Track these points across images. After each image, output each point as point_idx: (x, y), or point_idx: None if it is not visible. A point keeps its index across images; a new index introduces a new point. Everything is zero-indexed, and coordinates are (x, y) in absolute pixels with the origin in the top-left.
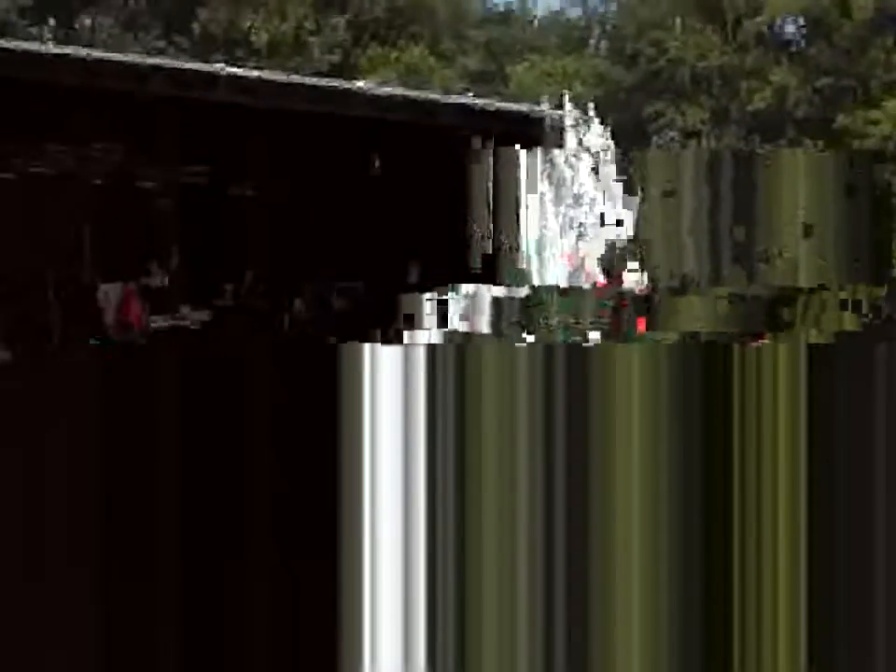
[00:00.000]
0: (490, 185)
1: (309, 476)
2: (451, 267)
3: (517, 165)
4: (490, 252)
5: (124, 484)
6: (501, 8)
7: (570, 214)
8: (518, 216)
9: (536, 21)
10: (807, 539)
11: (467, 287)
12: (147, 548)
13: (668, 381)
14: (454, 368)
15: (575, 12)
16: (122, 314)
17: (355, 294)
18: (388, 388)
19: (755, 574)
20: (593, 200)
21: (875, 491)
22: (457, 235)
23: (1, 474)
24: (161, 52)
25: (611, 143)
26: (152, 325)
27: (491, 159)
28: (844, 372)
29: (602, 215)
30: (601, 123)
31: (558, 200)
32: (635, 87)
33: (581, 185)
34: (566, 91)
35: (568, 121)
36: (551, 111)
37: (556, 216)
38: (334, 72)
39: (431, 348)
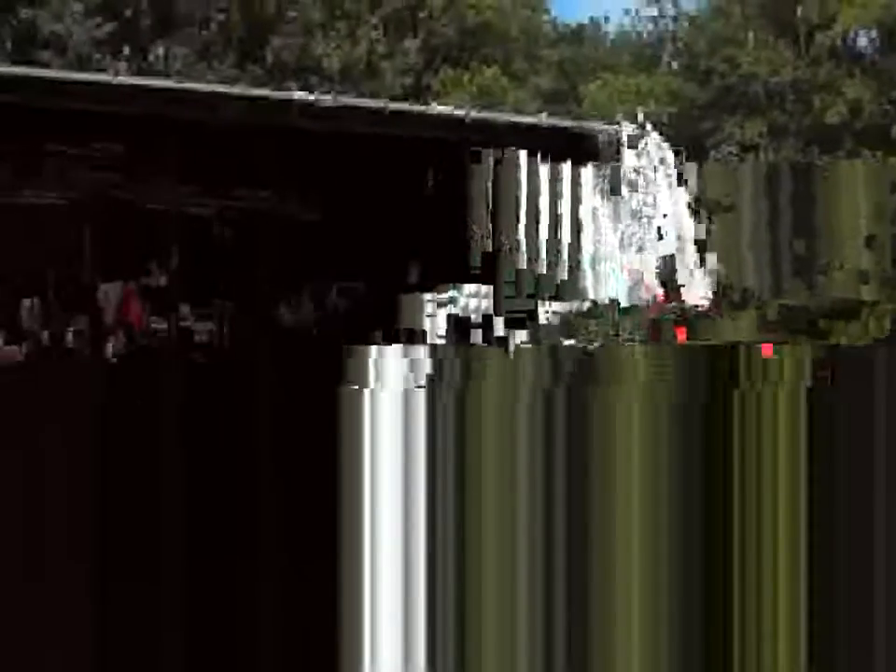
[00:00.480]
0: (548, 201)
1: (310, 480)
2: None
3: (575, 181)
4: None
5: (128, 491)
6: (573, 27)
7: (629, 228)
8: (578, 230)
9: (608, 39)
10: (807, 545)
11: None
12: (150, 552)
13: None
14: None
15: (646, 29)
16: (122, 314)
17: None
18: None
19: (755, 580)
20: (651, 214)
21: (875, 496)
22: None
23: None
24: (235, 80)
25: (672, 158)
26: None
27: (546, 175)
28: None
29: (659, 229)
30: (666, 140)
31: (617, 214)
32: (708, 104)
33: (639, 200)
34: (640, 109)
35: (628, 137)
36: (608, 127)
37: (615, 230)
38: (407, 95)
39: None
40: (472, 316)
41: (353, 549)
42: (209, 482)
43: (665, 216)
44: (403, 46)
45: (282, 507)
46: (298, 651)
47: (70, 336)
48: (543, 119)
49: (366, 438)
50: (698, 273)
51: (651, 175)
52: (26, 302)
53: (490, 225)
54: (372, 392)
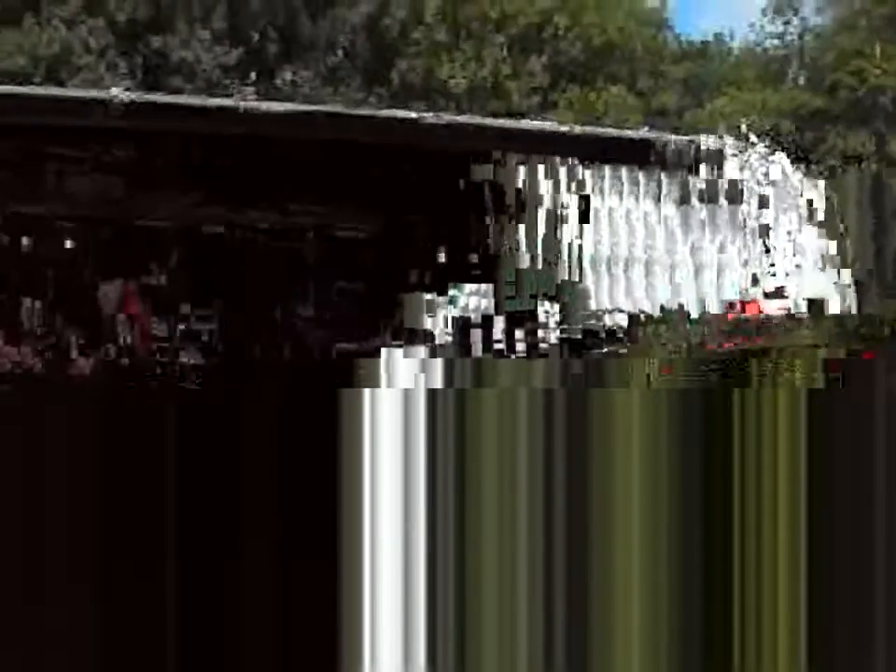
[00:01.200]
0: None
1: (309, 479)
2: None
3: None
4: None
5: (126, 498)
6: (697, 44)
7: (728, 240)
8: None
9: (733, 54)
10: (807, 546)
11: None
12: (149, 554)
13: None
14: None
15: (771, 44)
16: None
17: None
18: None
19: (754, 583)
20: (755, 227)
21: (875, 502)
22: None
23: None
24: (362, 102)
25: (791, 171)
26: None
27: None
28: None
29: (765, 242)
30: (793, 153)
31: (713, 225)
32: (836, 117)
33: (742, 211)
34: (743, 122)
35: (733, 150)
36: (713, 140)
37: (710, 240)
38: (533, 114)
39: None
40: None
41: (353, 549)
42: (209, 483)
43: (771, 229)
44: (529, 66)
45: (283, 508)
46: (298, 651)
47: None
48: (643, 132)
49: (366, 438)
50: (794, 283)
51: (759, 187)
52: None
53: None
54: (373, 392)
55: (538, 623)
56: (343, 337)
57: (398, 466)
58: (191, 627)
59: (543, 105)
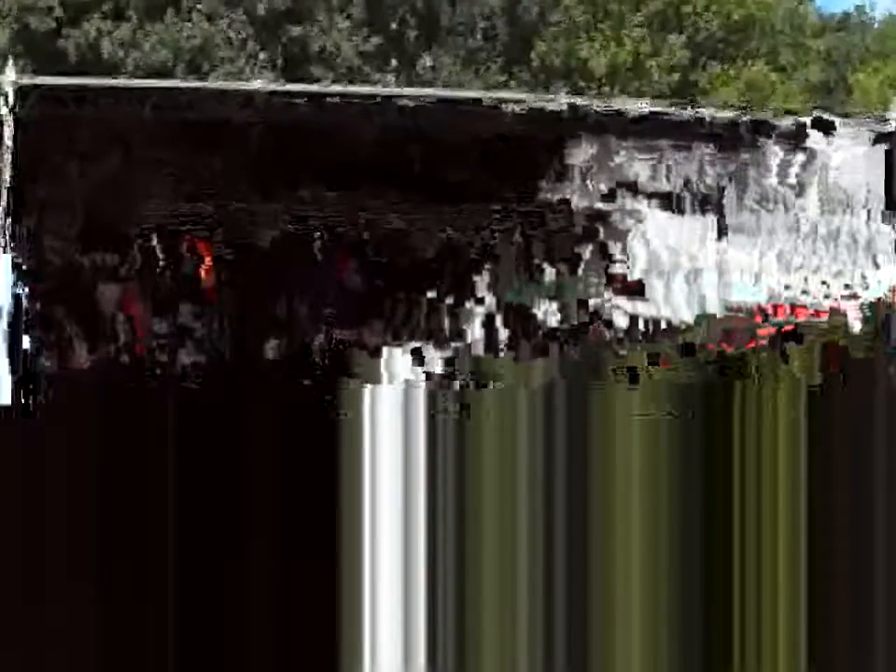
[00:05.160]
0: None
1: (310, 480)
2: None
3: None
4: None
5: (127, 496)
6: (839, 16)
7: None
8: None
9: (875, 26)
10: (807, 548)
11: None
12: (149, 553)
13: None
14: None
15: None
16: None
17: None
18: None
19: (755, 585)
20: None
21: (875, 501)
22: None
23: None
24: (504, 86)
25: None
26: None
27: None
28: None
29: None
30: None
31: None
32: None
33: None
34: None
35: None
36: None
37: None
38: (674, 93)
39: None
40: None
41: (353, 549)
42: (209, 482)
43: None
44: (668, 43)
45: (283, 508)
46: (298, 651)
47: None
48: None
49: (366, 435)
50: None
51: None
52: None
53: None
54: (373, 389)
55: (537, 622)
56: None
57: (397, 465)
58: (192, 627)
59: (684, 83)
